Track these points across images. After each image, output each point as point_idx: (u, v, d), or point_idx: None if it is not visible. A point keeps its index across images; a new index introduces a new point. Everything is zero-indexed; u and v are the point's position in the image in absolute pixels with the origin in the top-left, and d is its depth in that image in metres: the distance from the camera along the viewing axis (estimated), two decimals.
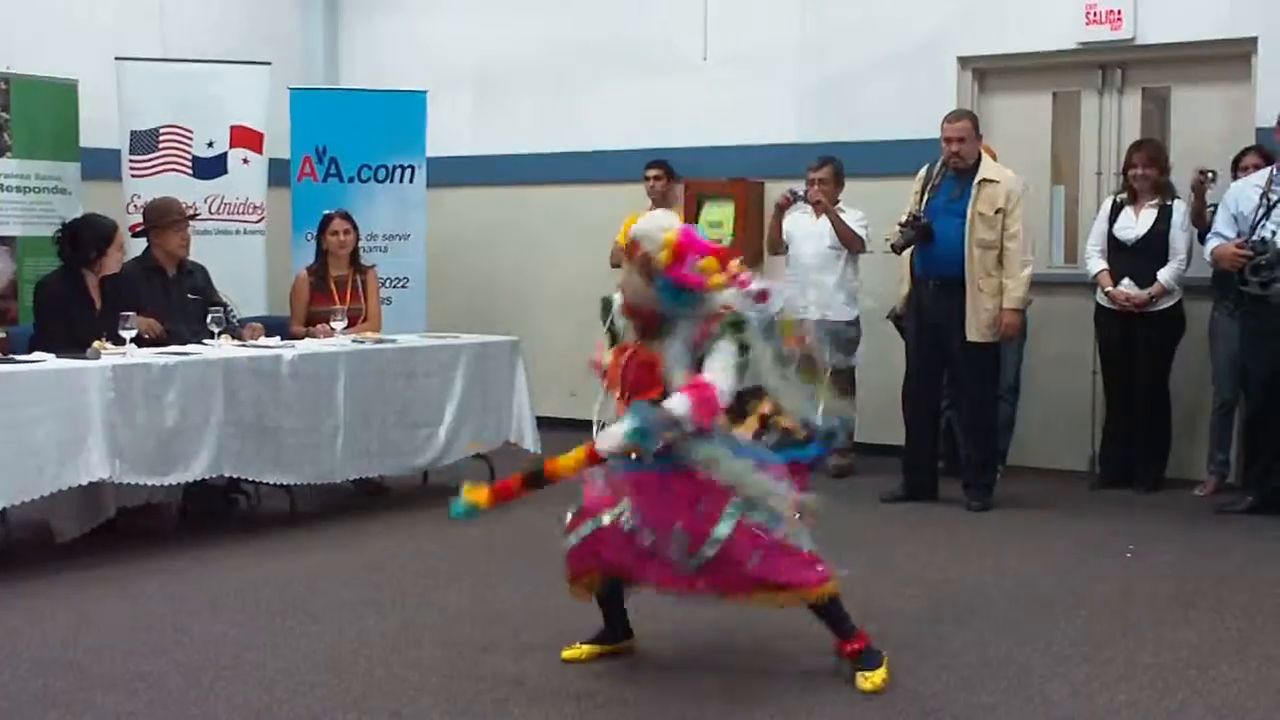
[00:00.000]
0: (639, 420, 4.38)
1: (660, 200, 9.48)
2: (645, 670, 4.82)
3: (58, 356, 6.44)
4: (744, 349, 4.49)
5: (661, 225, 4.51)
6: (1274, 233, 7.38)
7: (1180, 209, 8.08)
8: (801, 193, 8.60)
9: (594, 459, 4.55)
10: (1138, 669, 4.89)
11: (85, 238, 7.18)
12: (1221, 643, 5.22)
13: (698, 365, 4.47)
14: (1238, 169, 8.04)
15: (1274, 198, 7.42)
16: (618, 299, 4.66)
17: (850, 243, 8.64)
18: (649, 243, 4.45)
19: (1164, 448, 8.31)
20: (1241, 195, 7.57)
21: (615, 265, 9.65)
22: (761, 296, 4.53)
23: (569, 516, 4.87)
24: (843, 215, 8.66)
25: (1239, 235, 7.50)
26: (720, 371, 4.44)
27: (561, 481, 4.61)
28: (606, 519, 4.71)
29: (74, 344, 6.71)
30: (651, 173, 9.55)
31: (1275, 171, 7.51)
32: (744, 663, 4.90)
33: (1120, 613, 5.65)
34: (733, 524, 4.49)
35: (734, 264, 4.55)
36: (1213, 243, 7.69)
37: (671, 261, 4.43)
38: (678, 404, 4.38)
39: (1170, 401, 8.28)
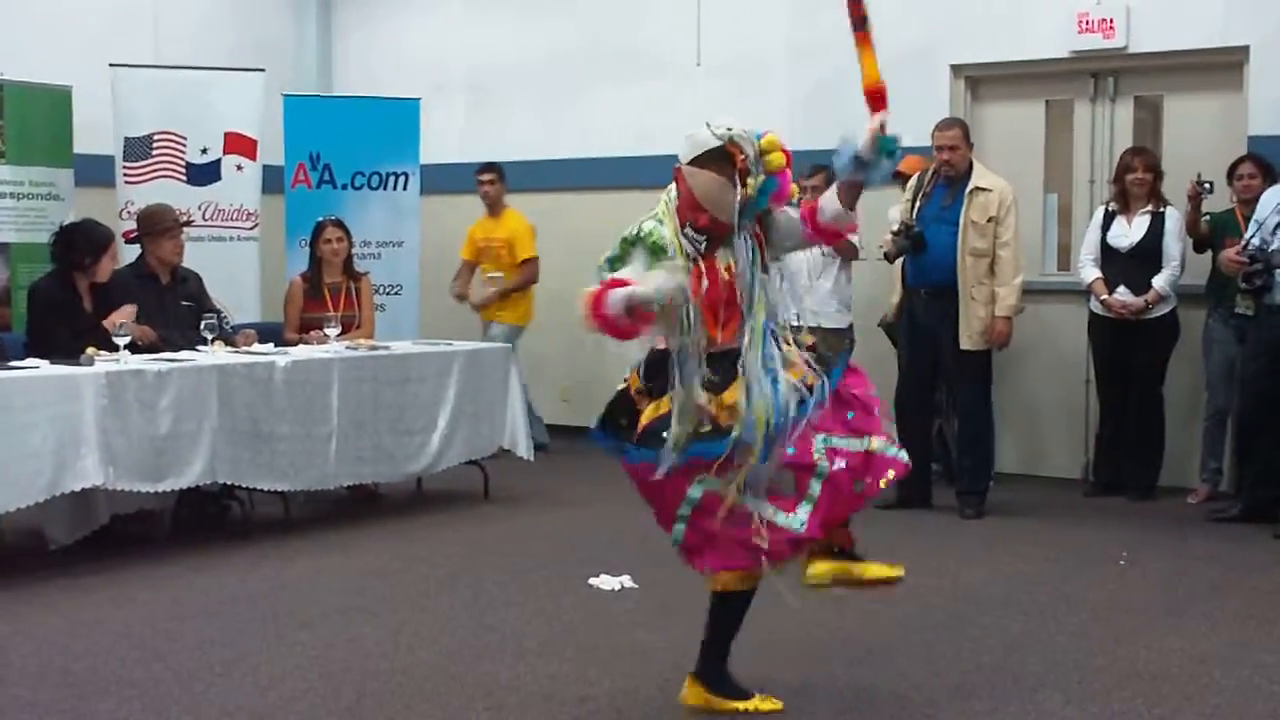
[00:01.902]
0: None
1: (495, 204, 9.86)
2: (642, 678, 4.81)
3: (52, 362, 6.44)
4: None
5: (752, 127, 4.27)
6: (1264, 241, 7.37)
7: (1173, 216, 8.09)
8: (796, 201, 8.60)
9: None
10: (1131, 676, 4.90)
11: (80, 243, 7.18)
12: (1214, 650, 5.22)
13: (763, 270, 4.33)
14: (1233, 178, 8.03)
15: None
16: (654, 226, 4.23)
17: (844, 250, 8.65)
18: (751, 145, 4.22)
19: (1157, 455, 8.31)
20: (1266, 202, 7.52)
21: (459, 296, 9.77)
22: None
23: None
24: None
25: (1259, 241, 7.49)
26: None
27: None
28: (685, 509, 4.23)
29: (66, 347, 6.72)
30: (485, 177, 9.85)
31: None
32: (737, 671, 4.89)
33: (1113, 620, 5.66)
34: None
35: None
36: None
37: (787, 164, 4.32)
38: None
39: (1164, 409, 8.29)
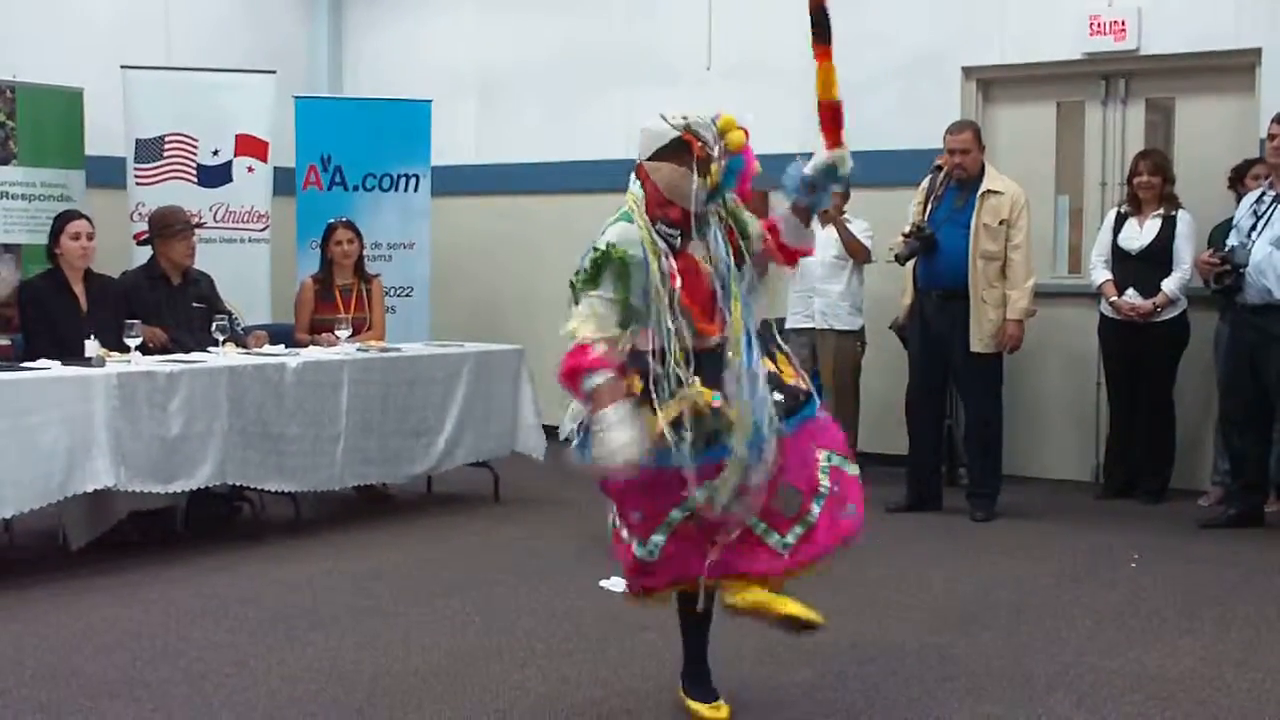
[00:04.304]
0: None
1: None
2: (654, 681, 4.80)
3: (63, 364, 6.44)
4: None
5: (710, 111, 4.27)
6: (1241, 244, 7.38)
7: (1185, 219, 8.07)
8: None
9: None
10: (1143, 679, 4.89)
11: (51, 228, 7.31)
12: (1226, 653, 5.22)
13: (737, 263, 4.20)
14: (1242, 181, 8.01)
15: (1261, 210, 7.42)
16: (621, 234, 4.13)
17: (856, 253, 8.66)
18: (709, 129, 4.18)
19: (1168, 458, 8.30)
20: (1243, 208, 7.57)
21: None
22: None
23: (614, 523, 4.26)
24: (849, 225, 8.67)
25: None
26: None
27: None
28: (678, 514, 4.11)
29: (59, 344, 6.73)
30: None
31: (1268, 185, 7.51)
32: (749, 674, 4.90)
33: (1125, 623, 5.65)
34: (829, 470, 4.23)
35: None
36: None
37: (746, 144, 4.23)
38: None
39: (1175, 411, 8.28)
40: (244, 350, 7.38)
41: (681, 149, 4.17)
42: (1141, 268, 8.12)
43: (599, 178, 10.17)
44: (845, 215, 8.72)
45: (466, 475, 8.20)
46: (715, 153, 4.17)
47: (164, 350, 7.17)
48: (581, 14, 10.61)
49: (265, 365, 7.08)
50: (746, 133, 4.26)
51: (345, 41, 11.66)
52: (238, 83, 9.66)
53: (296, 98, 9.99)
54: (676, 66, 10.09)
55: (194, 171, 9.43)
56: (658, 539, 4.13)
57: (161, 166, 9.36)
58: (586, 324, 4.06)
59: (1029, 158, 8.96)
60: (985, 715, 4.53)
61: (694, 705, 4.44)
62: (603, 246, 4.12)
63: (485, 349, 8.35)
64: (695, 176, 4.14)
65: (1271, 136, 7.33)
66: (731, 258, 4.22)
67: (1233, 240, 7.47)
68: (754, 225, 4.34)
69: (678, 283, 4.13)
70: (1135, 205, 8.21)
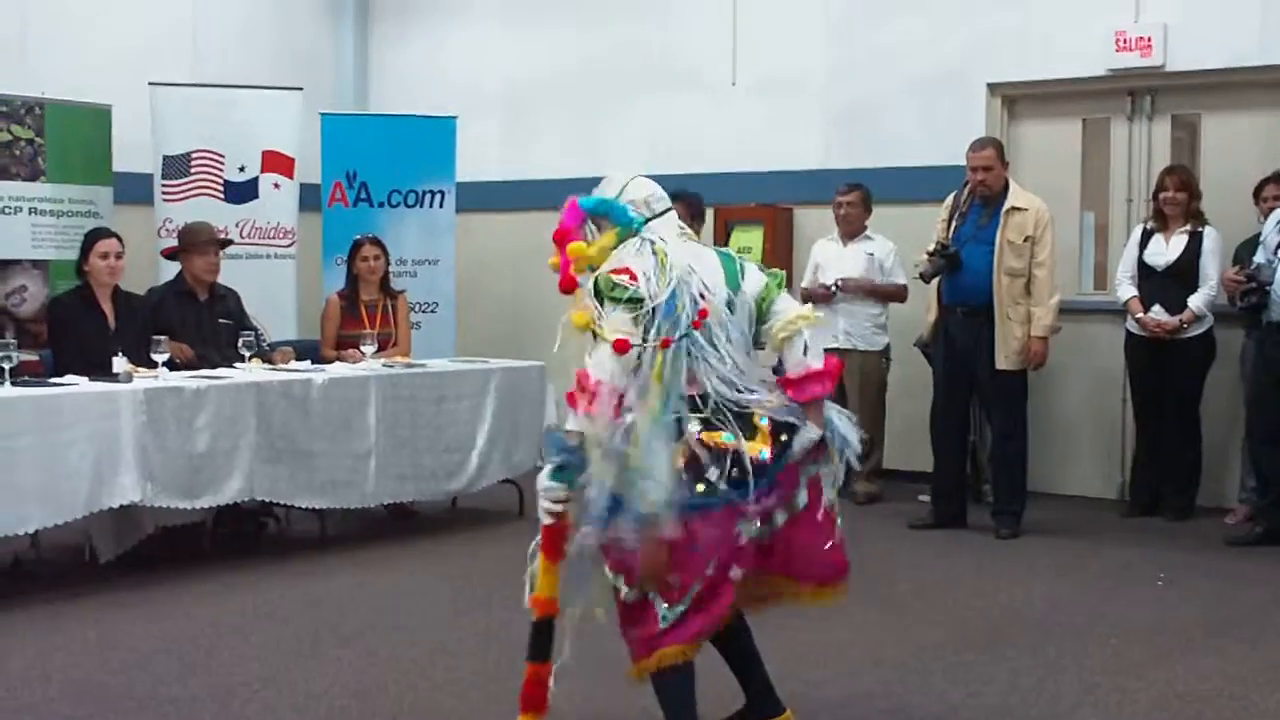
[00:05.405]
0: (553, 454, 3.87)
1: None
2: None
3: (90, 379, 6.47)
4: (630, 303, 4.04)
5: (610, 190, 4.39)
6: (1266, 261, 7.36)
7: (1211, 235, 8.04)
8: (837, 285, 8.59)
9: (554, 546, 4.01)
10: (1168, 698, 4.87)
11: (81, 245, 7.35)
12: (1253, 672, 5.19)
13: None
14: (1259, 199, 8.02)
15: None
16: None
17: (893, 296, 8.66)
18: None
19: (1195, 475, 8.26)
20: (1270, 225, 7.55)
21: None
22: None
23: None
24: (872, 244, 8.67)
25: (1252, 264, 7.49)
26: (591, 357, 3.92)
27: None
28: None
29: (86, 361, 6.76)
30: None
31: None
32: (776, 686, 4.88)
33: (1151, 641, 5.62)
34: None
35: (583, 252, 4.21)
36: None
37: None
38: (570, 420, 3.86)
39: (1201, 428, 8.24)
40: (270, 366, 7.41)
41: None
42: (1168, 284, 8.10)
43: None
44: (866, 231, 8.71)
45: (491, 491, 8.20)
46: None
47: (191, 366, 7.20)
48: (606, 28, 10.63)
49: (292, 381, 7.10)
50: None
51: (370, 57, 11.71)
52: (264, 99, 9.70)
53: (323, 114, 10.02)
54: (701, 81, 10.10)
55: (221, 188, 9.47)
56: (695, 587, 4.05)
57: (189, 183, 9.40)
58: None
59: (1054, 174, 8.94)
60: None
61: None
62: None
63: (511, 365, 8.36)
64: None
65: None
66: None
67: (1259, 258, 7.46)
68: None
69: None
70: (1161, 221, 8.18)
